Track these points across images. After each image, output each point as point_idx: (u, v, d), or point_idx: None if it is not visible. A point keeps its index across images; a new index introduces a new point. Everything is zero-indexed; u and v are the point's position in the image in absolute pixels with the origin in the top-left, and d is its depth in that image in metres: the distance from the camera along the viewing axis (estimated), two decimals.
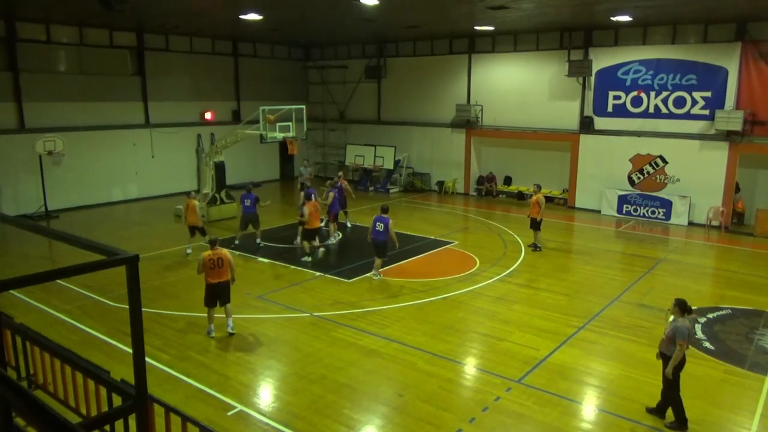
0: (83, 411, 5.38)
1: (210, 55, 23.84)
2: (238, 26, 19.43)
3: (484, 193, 23.25)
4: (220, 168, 18.50)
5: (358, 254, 14.54)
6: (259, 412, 7.43)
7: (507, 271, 13.32)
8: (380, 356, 9.00)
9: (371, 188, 24.70)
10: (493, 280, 12.72)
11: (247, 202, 15.08)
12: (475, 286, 12.30)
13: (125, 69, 21.14)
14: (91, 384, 5.18)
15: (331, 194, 15.54)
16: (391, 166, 24.25)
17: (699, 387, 8.14)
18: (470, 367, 8.89)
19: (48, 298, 11.19)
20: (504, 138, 22.57)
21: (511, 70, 22.02)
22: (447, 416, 7.31)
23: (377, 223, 12.40)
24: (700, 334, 9.91)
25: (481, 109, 22.71)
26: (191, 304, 11.07)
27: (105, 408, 4.93)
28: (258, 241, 15.35)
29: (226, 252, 9.66)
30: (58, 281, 11.41)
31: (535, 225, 14.98)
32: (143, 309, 3.81)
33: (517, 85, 21.88)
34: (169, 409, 4.87)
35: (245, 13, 16.15)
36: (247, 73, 25.26)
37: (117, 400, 4.79)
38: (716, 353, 9.22)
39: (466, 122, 22.98)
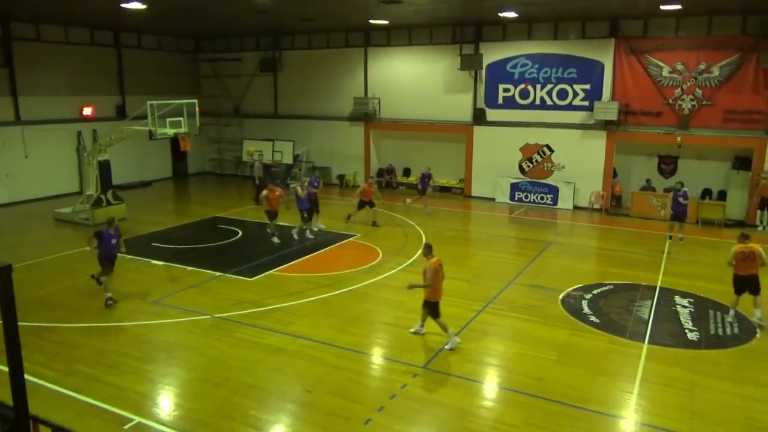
0: None
1: (89, 46, 22.19)
2: (120, 15, 18.20)
3: (384, 185, 23.58)
4: (104, 167, 17.29)
5: (259, 252, 14.24)
6: (160, 422, 7.06)
7: (409, 261, 13.60)
8: (286, 354, 8.87)
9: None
10: (396, 270, 12.94)
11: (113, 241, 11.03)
12: (379, 277, 12.45)
13: None
14: None
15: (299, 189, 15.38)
16: (290, 161, 23.92)
17: (587, 358, 8.79)
18: (377, 357, 8.99)
19: None
20: (402, 130, 22.99)
21: (407, 63, 22.44)
22: (356, 407, 7.35)
23: (679, 198, 14.92)
24: (586, 309, 10.68)
25: (379, 102, 22.97)
26: (78, 315, 10.30)
27: None
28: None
29: None
30: None
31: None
32: (21, 323, 3.50)
33: (413, 79, 22.34)
34: (56, 429, 4.50)
35: (127, 2, 15.17)
36: (132, 65, 23.78)
37: None
38: (601, 326, 9.98)
39: (365, 115, 23.15)
